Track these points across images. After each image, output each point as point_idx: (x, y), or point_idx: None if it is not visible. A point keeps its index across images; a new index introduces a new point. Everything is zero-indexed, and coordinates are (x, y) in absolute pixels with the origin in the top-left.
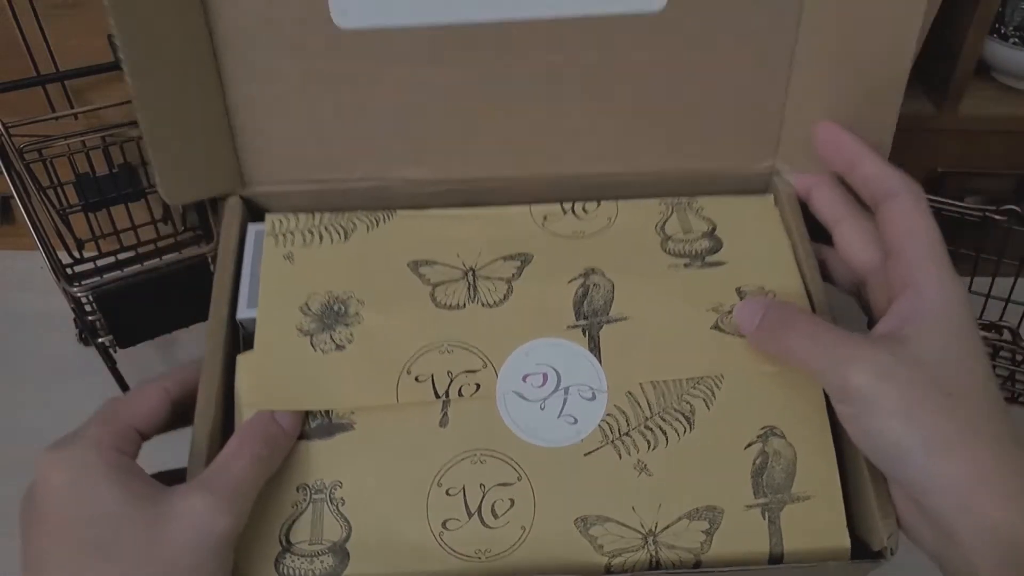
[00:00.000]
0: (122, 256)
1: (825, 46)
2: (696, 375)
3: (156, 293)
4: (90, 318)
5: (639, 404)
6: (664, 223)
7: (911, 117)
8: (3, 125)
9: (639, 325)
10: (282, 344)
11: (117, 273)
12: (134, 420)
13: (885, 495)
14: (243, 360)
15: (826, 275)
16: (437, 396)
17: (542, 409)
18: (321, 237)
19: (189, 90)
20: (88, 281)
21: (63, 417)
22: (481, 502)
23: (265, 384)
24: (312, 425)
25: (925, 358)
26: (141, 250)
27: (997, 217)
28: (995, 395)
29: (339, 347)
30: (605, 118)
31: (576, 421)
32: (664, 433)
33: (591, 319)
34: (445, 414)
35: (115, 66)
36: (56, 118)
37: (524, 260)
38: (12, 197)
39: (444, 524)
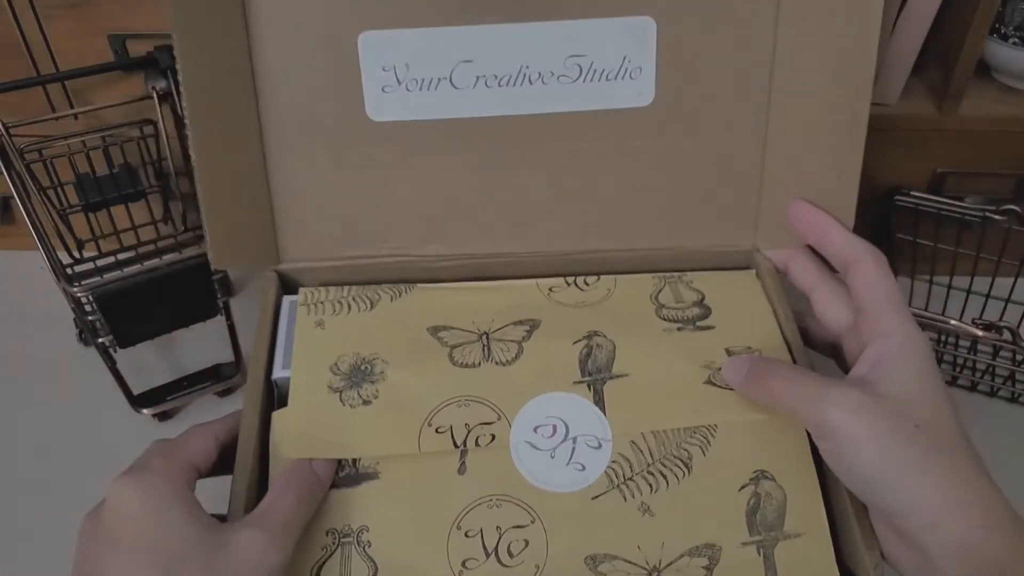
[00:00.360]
0: (122, 256)
1: (792, 141)
2: (692, 425)
3: (156, 293)
4: (90, 318)
5: (641, 452)
6: (658, 294)
7: (911, 117)
8: (3, 125)
9: (639, 381)
10: (314, 400)
11: (117, 273)
12: (192, 458)
13: (869, 529)
14: (278, 416)
15: (807, 340)
16: (456, 446)
17: (552, 457)
18: (349, 307)
19: (240, 175)
20: (88, 281)
21: (63, 417)
22: (498, 543)
23: (300, 435)
24: (340, 475)
25: (894, 395)
26: (141, 250)
27: (997, 217)
28: (958, 425)
29: (366, 402)
30: (602, 200)
31: (584, 468)
32: (665, 478)
33: (595, 376)
34: (463, 463)
35: (115, 66)
36: (56, 118)
37: (533, 325)
38: (12, 197)
39: (464, 564)
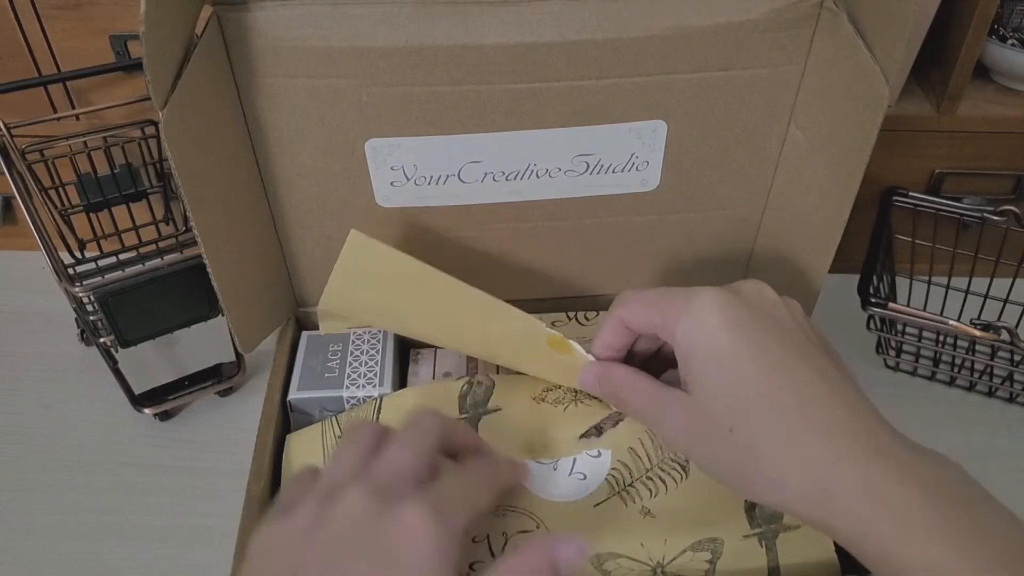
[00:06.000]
0: (124, 256)
1: (786, 217)
2: None
3: (157, 293)
4: (91, 318)
5: (640, 458)
6: None
7: (911, 118)
8: (5, 126)
9: None
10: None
11: (119, 273)
12: None
13: None
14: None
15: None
16: None
17: (555, 470)
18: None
19: (254, 264)
20: (90, 281)
21: (64, 416)
22: (504, 546)
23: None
24: None
25: (703, 404)
26: (142, 250)
27: (995, 218)
28: (778, 416)
29: None
30: (605, 259)
31: (585, 477)
32: (664, 482)
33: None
34: None
35: (116, 67)
36: (58, 119)
37: None
38: (14, 197)
39: (471, 566)
